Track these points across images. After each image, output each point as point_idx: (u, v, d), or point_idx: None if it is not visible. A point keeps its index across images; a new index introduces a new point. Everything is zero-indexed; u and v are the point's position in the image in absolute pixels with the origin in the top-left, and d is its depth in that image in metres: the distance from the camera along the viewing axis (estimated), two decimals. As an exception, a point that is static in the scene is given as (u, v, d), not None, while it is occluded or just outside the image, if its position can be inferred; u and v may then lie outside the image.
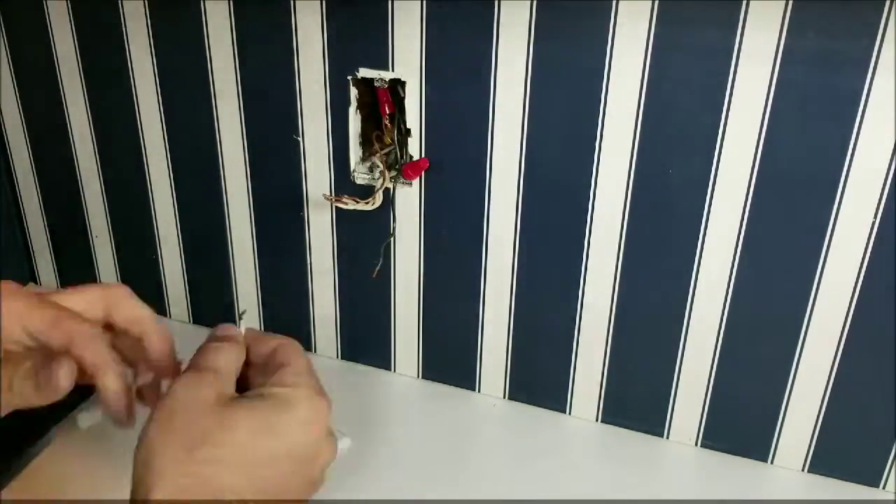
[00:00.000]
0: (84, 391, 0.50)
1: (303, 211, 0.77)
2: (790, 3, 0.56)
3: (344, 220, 0.77)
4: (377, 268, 0.78)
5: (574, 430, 0.78)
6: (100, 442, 0.71)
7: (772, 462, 0.74)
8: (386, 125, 0.71)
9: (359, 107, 0.72)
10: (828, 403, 0.70)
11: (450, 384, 0.83)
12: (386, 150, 0.72)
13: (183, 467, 0.42)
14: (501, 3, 0.63)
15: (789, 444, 0.73)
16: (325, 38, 0.69)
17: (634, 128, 0.64)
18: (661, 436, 0.77)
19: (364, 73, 0.69)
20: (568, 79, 0.64)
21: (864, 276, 0.64)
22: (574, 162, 0.67)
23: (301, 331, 0.86)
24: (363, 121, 0.73)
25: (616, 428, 0.78)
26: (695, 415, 0.75)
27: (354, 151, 0.74)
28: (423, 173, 0.72)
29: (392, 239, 0.76)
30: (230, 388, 0.48)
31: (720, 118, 0.62)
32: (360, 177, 0.74)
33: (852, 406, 0.69)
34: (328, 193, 0.75)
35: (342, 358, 0.87)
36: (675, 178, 0.65)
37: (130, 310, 0.50)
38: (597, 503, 0.69)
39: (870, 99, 0.58)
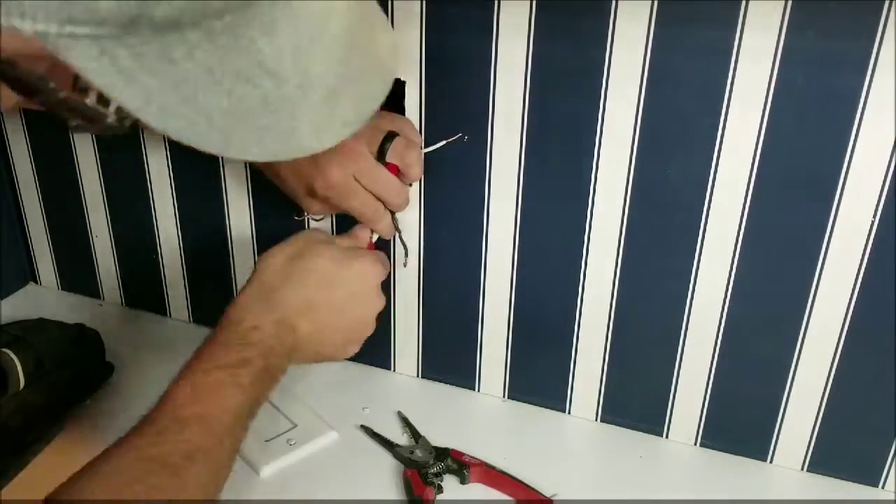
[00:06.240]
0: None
1: (302, 214, 0.77)
2: (790, 2, 0.56)
3: (344, 222, 0.77)
4: (406, 258, 0.77)
5: (574, 429, 0.78)
6: (100, 441, 0.71)
7: (771, 461, 0.74)
8: None
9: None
10: (827, 403, 0.70)
11: (449, 384, 0.83)
12: None
13: (280, 277, 0.62)
14: (501, 3, 0.63)
15: (788, 443, 0.73)
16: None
17: (634, 127, 0.64)
18: (661, 435, 0.77)
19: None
20: (568, 78, 0.64)
21: (864, 276, 0.64)
22: (574, 161, 0.67)
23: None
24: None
25: (616, 427, 0.78)
26: (694, 414, 0.75)
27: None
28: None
29: (399, 233, 0.76)
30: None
31: (720, 118, 0.62)
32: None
33: (851, 405, 0.69)
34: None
35: (342, 357, 0.87)
36: (675, 178, 0.65)
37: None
38: (597, 503, 0.69)
39: (869, 99, 0.58)
